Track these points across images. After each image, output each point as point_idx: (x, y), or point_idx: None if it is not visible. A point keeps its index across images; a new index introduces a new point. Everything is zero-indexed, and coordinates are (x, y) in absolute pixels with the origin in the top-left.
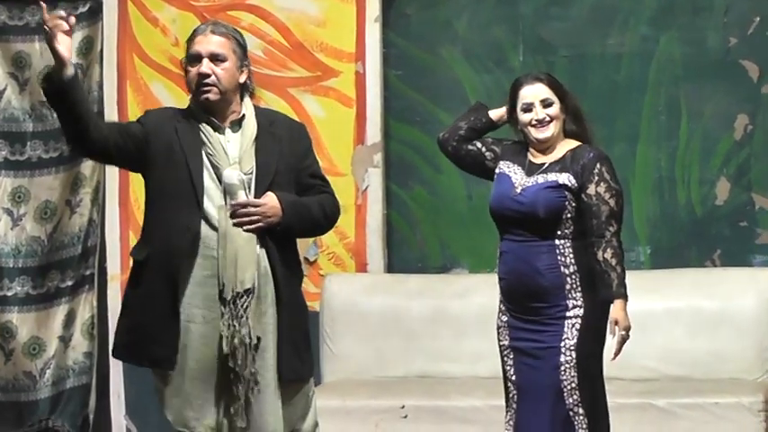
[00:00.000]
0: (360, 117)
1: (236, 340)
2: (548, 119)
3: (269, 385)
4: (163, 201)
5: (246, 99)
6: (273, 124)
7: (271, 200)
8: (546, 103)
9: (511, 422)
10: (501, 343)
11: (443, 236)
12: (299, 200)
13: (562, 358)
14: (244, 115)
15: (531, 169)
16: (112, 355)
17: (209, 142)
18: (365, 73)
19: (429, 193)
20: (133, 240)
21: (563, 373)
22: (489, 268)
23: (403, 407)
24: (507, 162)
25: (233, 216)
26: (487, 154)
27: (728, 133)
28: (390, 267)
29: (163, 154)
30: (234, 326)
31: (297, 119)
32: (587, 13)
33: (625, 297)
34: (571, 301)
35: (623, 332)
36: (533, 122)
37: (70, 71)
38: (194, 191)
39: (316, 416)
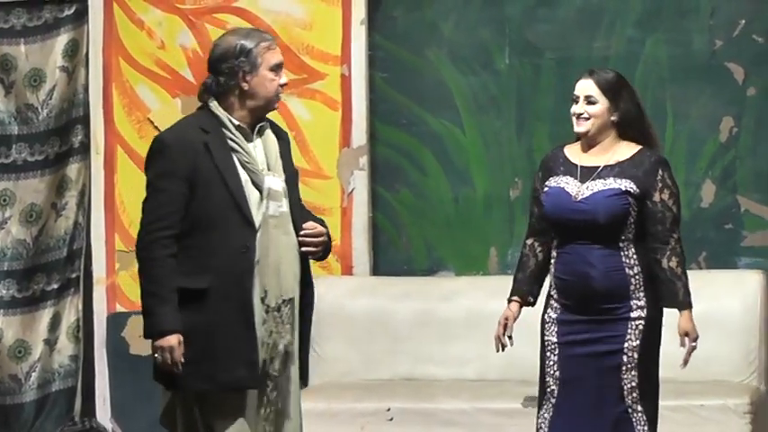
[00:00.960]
0: (345, 120)
1: (279, 347)
2: (586, 115)
3: (295, 391)
4: (210, 223)
5: None
6: (279, 136)
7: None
8: (589, 100)
9: (546, 416)
10: (547, 338)
11: (429, 239)
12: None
13: (624, 359)
14: (268, 121)
15: (585, 174)
16: (182, 389)
17: (243, 150)
18: (351, 76)
19: (415, 195)
20: (119, 244)
21: (624, 372)
22: (475, 271)
23: (389, 409)
24: (551, 178)
25: (303, 244)
26: (538, 211)
27: (714, 135)
28: (376, 270)
29: (201, 179)
30: (278, 333)
31: (283, 122)
32: (574, 16)
33: (691, 306)
34: (634, 301)
35: (694, 343)
36: (574, 114)
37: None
38: (238, 205)
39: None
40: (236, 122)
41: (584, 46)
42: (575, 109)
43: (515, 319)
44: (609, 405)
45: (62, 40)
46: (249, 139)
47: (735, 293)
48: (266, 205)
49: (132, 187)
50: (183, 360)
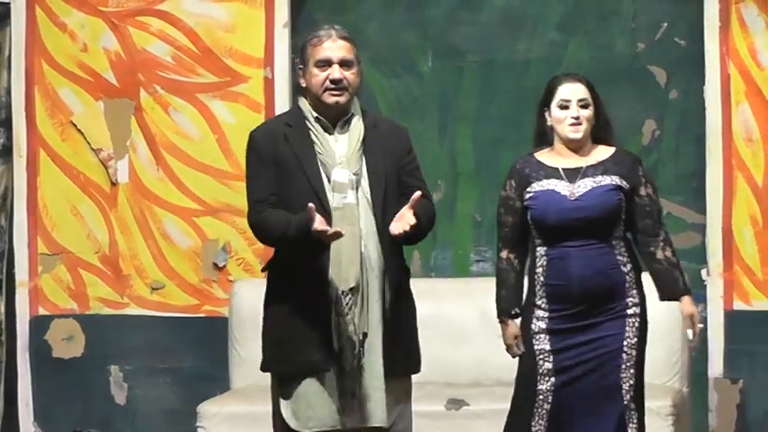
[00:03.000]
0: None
1: (342, 337)
2: (581, 119)
3: (376, 380)
4: (292, 209)
5: (355, 100)
6: (377, 126)
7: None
8: (582, 104)
9: (541, 422)
10: (538, 347)
11: None
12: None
13: (624, 357)
14: (352, 115)
15: (571, 175)
16: (262, 369)
17: (319, 142)
18: (274, 78)
19: None
20: (42, 246)
21: (624, 371)
22: None
23: None
24: (533, 184)
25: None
26: (513, 220)
27: (636, 138)
28: None
29: (282, 167)
30: (340, 323)
31: (206, 124)
32: (496, 19)
33: (688, 293)
34: (630, 299)
35: (700, 324)
36: (570, 120)
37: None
38: (316, 192)
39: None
40: (315, 115)
41: (507, 49)
42: (569, 113)
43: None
44: (610, 406)
45: None
46: (330, 132)
47: (657, 295)
48: (332, 197)
49: (55, 190)
50: None
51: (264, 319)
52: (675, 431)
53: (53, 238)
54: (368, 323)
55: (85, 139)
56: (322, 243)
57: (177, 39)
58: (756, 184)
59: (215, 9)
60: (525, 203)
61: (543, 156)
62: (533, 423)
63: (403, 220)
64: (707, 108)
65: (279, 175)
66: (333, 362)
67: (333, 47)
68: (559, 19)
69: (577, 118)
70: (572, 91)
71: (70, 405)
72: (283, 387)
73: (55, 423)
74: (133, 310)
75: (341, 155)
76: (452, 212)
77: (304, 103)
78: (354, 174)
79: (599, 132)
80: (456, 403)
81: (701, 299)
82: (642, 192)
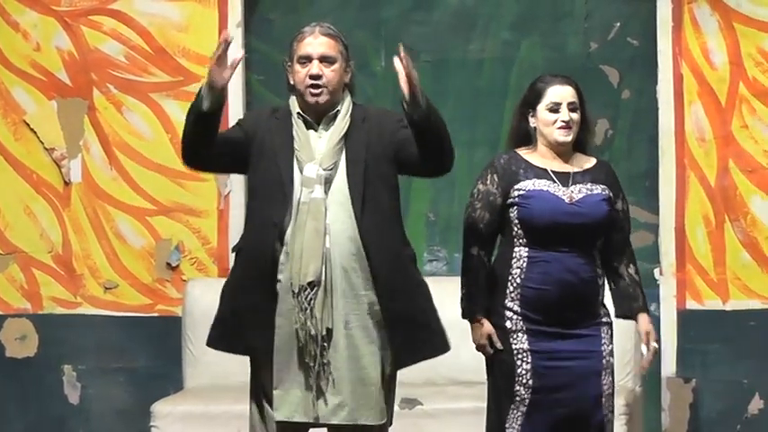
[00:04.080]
0: (222, 122)
1: (303, 332)
2: (571, 122)
3: (342, 377)
4: (256, 197)
5: (347, 97)
6: (366, 120)
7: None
8: (572, 107)
9: (515, 425)
10: (515, 346)
11: None
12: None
13: (604, 363)
14: (338, 111)
15: (562, 179)
16: (207, 344)
17: (299, 138)
18: None
19: None
20: None
21: (603, 378)
22: None
23: None
24: (522, 182)
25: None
26: (490, 217)
27: None
28: None
29: (257, 152)
30: (300, 319)
31: (159, 124)
32: (449, 19)
33: (648, 310)
34: (603, 308)
35: (655, 344)
36: (560, 124)
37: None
38: (282, 186)
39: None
40: (298, 111)
41: (460, 48)
42: (559, 116)
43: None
44: (592, 415)
45: None
46: (314, 129)
47: (610, 295)
48: (300, 191)
49: (8, 190)
50: None
51: (220, 296)
52: (628, 430)
53: (6, 238)
54: (332, 319)
55: (38, 138)
56: (215, 87)
57: (130, 38)
58: (709, 184)
59: (168, 8)
60: (512, 201)
61: (528, 155)
62: (508, 425)
63: (403, 81)
64: (659, 108)
65: (253, 159)
66: (293, 354)
67: (314, 43)
68: (512, 19)
69: (568, 122)
70: (563, 94)
71: (23, 405)
72: (256, 376)
73: (8, 423)
74: (86, 310)
75: (320, 151)
76: (406, 212)
77: (293, 100)
78: (327, 169)
79: (582, 137)
80: (409, 402)
81: (653, 298)
82: (619, 206)
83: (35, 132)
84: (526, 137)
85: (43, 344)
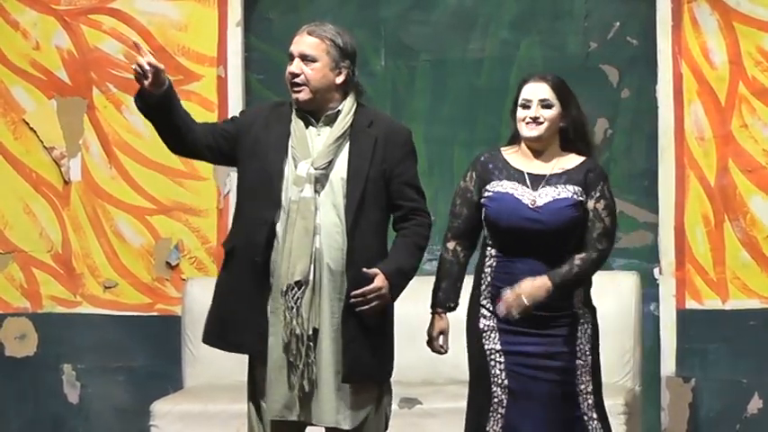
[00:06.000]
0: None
1: (288, 330)
2: (541, 119)
3: (325, 378)
4: (246, 194)
5: (350, 97)
6: (372, 124)
7: (381, 282)
8: (544, 104)
9: (496, 427)
10: (488, 347)
11: None
12: (400, 264)
13: (578, 362)
14: (339, 111)
15: (534, 181)
16: (203, 340)
17: (295, 135)
18: (227, 77)
19: None
20: None
21: (579, 377)
22: None
23: None
24: (493, 181)
25: (355, 306)
26: (468, 212)
27: None
28: None
29: (249, 148)
30: (287, 317)
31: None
32: (449, 18)
33: (552, 282)
34: (579, 310)
35: (516, 298)
36: (527, 119)
37: (164, 87)
38: (271, 183)
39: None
40: (296, 107)
41: (459, 48)
42: (528, 113)
43: (449, 330)
44: (564, 412)
45: None
46: (313, 126)
47: (610, 294)
48: (290, 189)
49: (7, 188)
50: None
51: (213, 292)
52: (628, 430)
53: (6, 237)
54: (319, 319)
55: (38, 137)
56: (146, 94)
57: (130, 37)
58: (708, 183)
59: (168, 7)
60: (482, 201)
61: (510, 155)
62: (488, 427)
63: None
64: (659, 107)
65: (246, 158)
66: (279, 353)
67: (299, 41)
68: (512, 18)
69: (536, 118)
70: (534, 90)
71: (23, 404)
72: (252, 374)
73: (7, 422)
74: (86, 309)
75: (316, 149)
76: None
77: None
78: (318, 168)
79: (570, 137)
80: (409, 402)
81: (653, 298)
82: (590, 205)
83: (35, 131)
84: (517, 135)
85: (43, 343)
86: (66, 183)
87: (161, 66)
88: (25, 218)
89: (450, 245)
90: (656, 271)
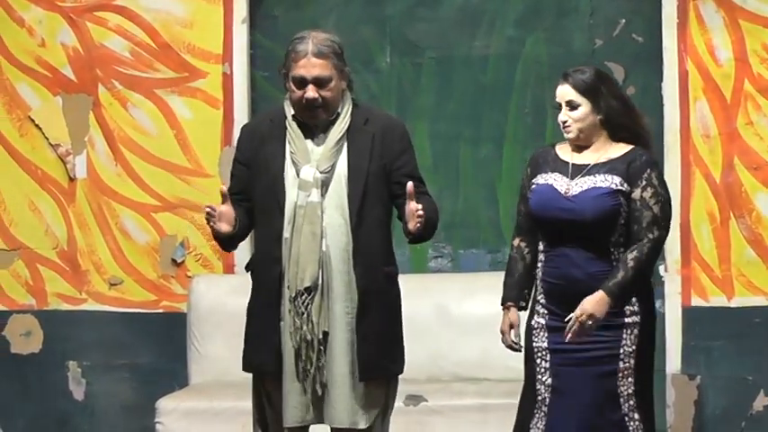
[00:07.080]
0: (227, 118)
1: (297, 336)
2: (569, 121)
3: (339, 380)
4: (258, 210)
5: (347, 97)
6: (368, 122)
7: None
8: (571, 106)
9: (540, 425)
10: (535, 344)
11: None
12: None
13: (621, 365)
14: (338, 114)
15: (575, 171)
16: (243, 369)
17: (294, 142)
18: (232, 74)
19: None
20: (0, 242)
21: (620, 379)
22: None
23: None
24: (540, 174)
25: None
26: (525, 209)
27: None
28: None
29: (254, 168)
30: (296, 323)
31: (164, 120)
32: (454, 15)
33: (611, 295)
34: (627, 307)
35: (582, 317)
36: (561, 123)
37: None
38: (276, 194)
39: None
40: (293, 113)
41: (465, 45)
42: (560, 117)
43: (518, 325)
44: (606, 412)
45: None
46: (310, 131)
47: None
48: (297, 195)
49: (13, 185)
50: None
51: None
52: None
53: (11, 234)
54: (328, 322)
55: (43, 134)
56: (219, 232)
57: (135, 34)
58: (714, 181)
59: (173, 4)
60: (528, 194)
61: (561, 148)
62: (532, 424)
63: (412, 216)
64: (664, 104)
65: (250, 174)
66: (292, 361)
67: (307, 65)
68: (517, 15)
69: (564, 122)
70: (560, 93)
71: (28, 401)
72: (262, 381)
73: (13, 419)
74: (91, 306)
75: (317, 153)
76: None
77: (287, 103)
78: (323, 172)
79: (617, 127)
80: (414, 399)
81: (658, 295)
82: (636, 194)
83: (40, 128)
84: None
85: (48, 340)
86: (72, 180)
87: (233, 213)
88: (31, 215)
89: (515, 242)
90: (661, 268)
